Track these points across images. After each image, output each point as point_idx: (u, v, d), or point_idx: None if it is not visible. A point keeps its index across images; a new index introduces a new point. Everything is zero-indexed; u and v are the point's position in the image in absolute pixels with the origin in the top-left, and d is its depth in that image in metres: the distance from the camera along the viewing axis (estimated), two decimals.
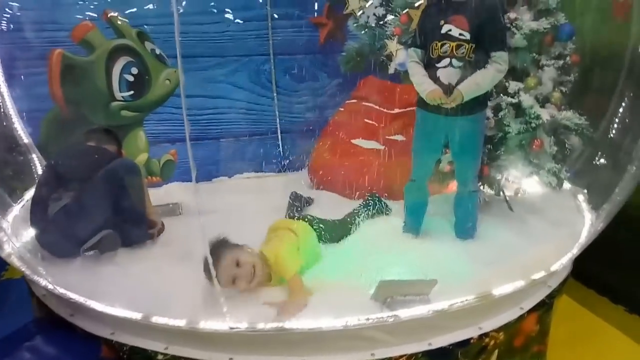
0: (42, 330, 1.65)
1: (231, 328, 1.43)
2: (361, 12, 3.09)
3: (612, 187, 2.13)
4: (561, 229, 2.17)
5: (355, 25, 3.11)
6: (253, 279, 1.67)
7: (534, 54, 2.20)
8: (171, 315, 1.49)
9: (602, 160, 2.29)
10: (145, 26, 2.78)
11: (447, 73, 1.95)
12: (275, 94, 3.22)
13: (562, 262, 1.84)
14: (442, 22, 1.92)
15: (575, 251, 1.95)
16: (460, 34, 1.90)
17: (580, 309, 2.62)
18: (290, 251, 1.83)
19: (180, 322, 1.47)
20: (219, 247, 1.69)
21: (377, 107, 2.86)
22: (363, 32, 3.08)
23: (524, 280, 1.67)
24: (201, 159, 3.06)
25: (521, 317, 1.73)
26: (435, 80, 1.96)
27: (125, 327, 1.57)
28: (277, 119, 3.25)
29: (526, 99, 2.14)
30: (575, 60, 2.20)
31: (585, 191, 2.39)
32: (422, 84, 1.96)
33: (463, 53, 1.91)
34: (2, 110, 2.49)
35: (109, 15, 2.67)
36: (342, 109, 3.03)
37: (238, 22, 3.00)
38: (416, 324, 1.50)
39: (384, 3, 3.00)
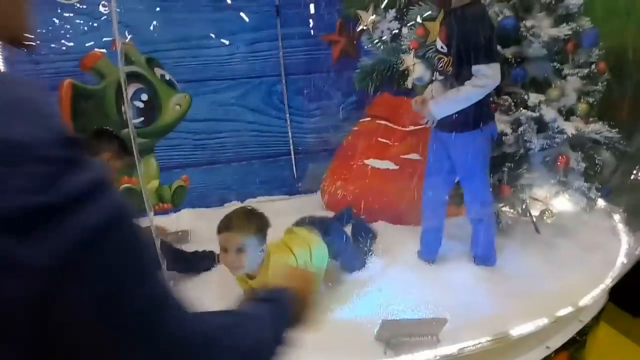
0: None
1: None
2: (375, 27, 3.00)
3: None
4: (594, 254, 1.95)
5: (369, 40, 3.02)
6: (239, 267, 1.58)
7: (556, 63, 2.02)
8: None
9: (639, 176, 2.07)
10: (155, 52, 2.77)
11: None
12: (287, 115, 3.14)
13: (593, 296, 1.64)
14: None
15: (609, 282, 1.74)
16: (441, 47, 1.79)
17: (621, 337, 2.36)
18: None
19: None
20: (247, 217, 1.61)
21: (391, 124, 2.73)
22: (378, 47, 2.98)
23: (548, 317, 1.48)
24: (213, 183, 3.00)
25: (547, 358, 1.54)
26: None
27: None
28: (290, 140, 3.16)
29: (548, 112, 1.96)
30: (602, 68, 2.01)
31: (622, 211, 2.16)
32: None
33: (442, 67, 1.79)
34: None
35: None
36: (356, 128, 2.92)
37: (248, 44, 2.95)
38: None
39: (398, 17, 2.90)
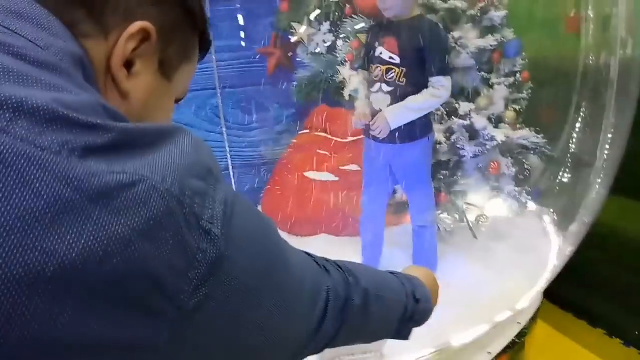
0: None
1: None
2: (310, 39, 2.99)
3: (578, 206, 2.01)
4: (528, 256, 2.02)
5: (305, 53, 3.01)
6: None
7: (484, 73, 2.09)
8: None
9: (565, 179, 2.17)
10: None
11: (377, 98, 1.82)
12: (224, 129, 3.05)
13: (530, 298, 1.68)
14: (376, 44, 1.80)
15: (543, 283, 1.79)
16: (390, 57, 1.78)
17: (557, 334, 2.45)
18: None
19: None
20: None
21: (329, 136, 2.71)
22: (314, 59, 2.97)
23: (489, 324, 1.49)
24: None
25: None
26: (370, 105, 1.83)
27: None
28: (228, 155, 3.07)
29: (479, 120, 2.02)
30: (525, 76, 2.10)
31: (552, 212, 2.26)
32: (356, 107, 1.83)
33: (392, 78, 1.78)
34: None
35: None
36: (294, 141, 2.87)
37: None
38: None
39: (332, 29, 2.91)
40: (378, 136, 1.79)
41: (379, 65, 1.82)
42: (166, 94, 0.51)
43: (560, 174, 2.15)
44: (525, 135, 2.05)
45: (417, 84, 1.76)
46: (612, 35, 1.90)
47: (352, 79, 2.61)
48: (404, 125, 1.78)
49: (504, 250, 2.11)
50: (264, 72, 3.08)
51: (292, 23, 2.95)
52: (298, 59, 3.05)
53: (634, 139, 1.89)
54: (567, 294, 2.44)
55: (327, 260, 0.59)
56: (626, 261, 2.22)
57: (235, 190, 0.41)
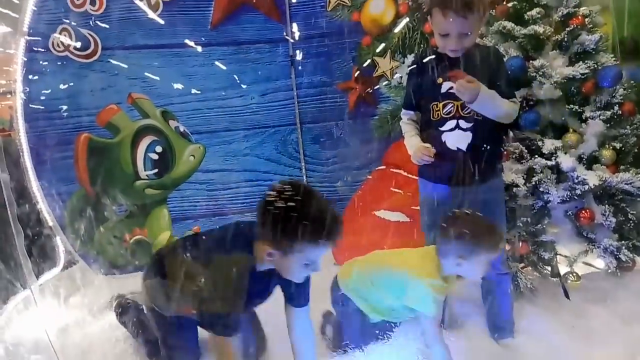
0: None
1: None
2: (394, 73, 2.92)
3: None
4: (632, 326, 1.64)
5: (387, 87, 2.93)
6: None
7: (573, 106, 1.80)
8: None
9: None
10: (170, 105, 2.83)
11: (455, 136, 1.64)
12: (303, 164, 3.06)
13: None
14: (439, 79, 1.64)
15: None
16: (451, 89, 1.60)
17: None
18: None
19: None
20: None
21: (405, 173, 2.56)
22: (397, 93, 2.87)
23: None
24: None
25: None
26: (441, 145, 1.66)
27: None
28: None
29: (565, 160, 1.73)
30: (628, 109, 1.76)
31: None
32: (410, 146, 1.68)
33: (469, 112, 1.60)
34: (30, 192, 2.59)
35: (134, 98, 2.75)
36: (369, 177, 2.77)
37: (262, 94, 2.94)
38: None
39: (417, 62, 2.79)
40: (464, 95, 1.55)
41: (450, 101, 1.65)
42: None
43: None
44: (628, 179, 1.70)
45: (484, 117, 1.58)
46: None
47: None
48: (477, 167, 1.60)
49: (601, 316, 1.74)
50: (345, 107, 3.06)
51: (374, 57, 2.90)
52: (381, 94, 2.99)
53: None
54: None
55: None
56: None
57: None
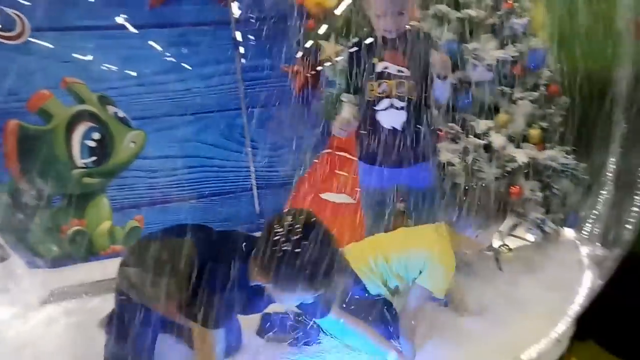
0: None
1: None
2: (339, 56, 2.93)
3: (616, 235, 1.75)
4: (555, 292, 1.77)
5: (332, 70, 2.94)
6: None
7: (504, 87, 1.89)
8: None
9: (603, 204, 1.90)
10: (109, 89, 2.70)
11: (388, 115, 1.69)
12: (249, 149, 3.04)
13: (555, 335, 1.45)
14: (375, 59, 1.68)
15: (569, 319, 1.55)
16: (398, 71, 1.65)
17: None
18: None
19: None
20: None
21: (349, 156, 2.60)
22: (341, 77, 2.90)
23: None
24: (170, 223, 2.86)
25: None
26: (376, 124, 1.70)
27: None
28: (253, 175, 3.04)
29: (497, 139, 1.82)
30: (553, 90, 1.87)
31: (586, 242, 1.98)
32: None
33: (403, 92, 1.65)
34: None
35: (68, 83, 2.61)
36: (316, 160, 2.79)
37: (205, 78, 2.87)
38: None
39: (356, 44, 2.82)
40: (443, 70, 1.59)
41: (384, 80, 1.70)
42: None
43: (599, 198, 1.88)
44: (553, 156, 1.82)
45: (424, 97, 1.64)
46: None
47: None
48: (412, 147, 1.66)
49: (528, 285, 1.87)
50: (290, 90, 3.06)
51: (319, 41, 2.91)
52: (326, 77, 3.00)
53: None
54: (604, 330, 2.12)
55: None
56: None
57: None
